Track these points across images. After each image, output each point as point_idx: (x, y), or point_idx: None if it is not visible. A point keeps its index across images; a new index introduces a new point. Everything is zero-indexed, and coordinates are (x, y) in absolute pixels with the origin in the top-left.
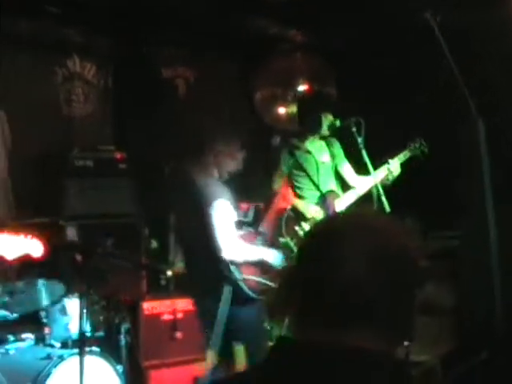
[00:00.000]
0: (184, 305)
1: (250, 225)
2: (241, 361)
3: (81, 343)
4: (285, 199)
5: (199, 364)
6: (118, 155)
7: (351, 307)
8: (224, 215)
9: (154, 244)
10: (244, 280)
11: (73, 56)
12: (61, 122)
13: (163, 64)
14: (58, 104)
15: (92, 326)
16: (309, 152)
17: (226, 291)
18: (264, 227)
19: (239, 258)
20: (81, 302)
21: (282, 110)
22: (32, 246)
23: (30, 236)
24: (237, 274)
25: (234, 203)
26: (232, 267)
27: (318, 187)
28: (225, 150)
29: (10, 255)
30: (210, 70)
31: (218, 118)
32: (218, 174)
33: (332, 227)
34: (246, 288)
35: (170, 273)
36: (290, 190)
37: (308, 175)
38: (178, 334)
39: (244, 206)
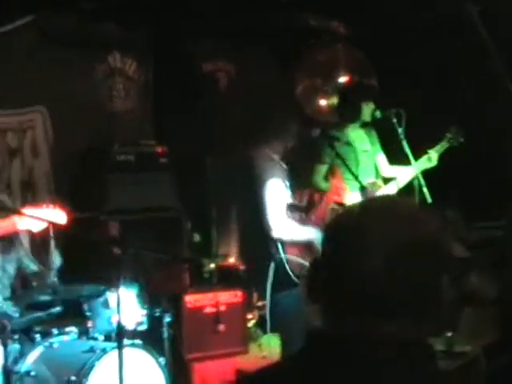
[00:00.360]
0: (227, 297)
1: (302, 210)
2: (274, 351)
3: (119, 337)
4: (335, 190)
5: (242, 356)
6: (159, 149)
7: (370, 298)
8: (276, 194)
9: (197, 237)
10: (288, 260)
11: (113, 52)
12: (102, 118)
13: (204, 58)
14: (100, 100)
15: (135, 319)
16: (348, 143)
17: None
18: (314, 217)
19: (286, 236)
20: (118, 296)
21: (323, 102)
22: (55, 215)
23: (52, 205)
24: (282, 253)
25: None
26: (279, 245)
27: (357, 178)
28: (268, 142)
29: (36, 227)
30: (251, 62)
31: (260, 111)
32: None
33: (355, 216)
34: (288, 268)
35: (212, 266)
36: (340, 182)
37: (347, 167)
38: (221, 327)
39: (299, 192)
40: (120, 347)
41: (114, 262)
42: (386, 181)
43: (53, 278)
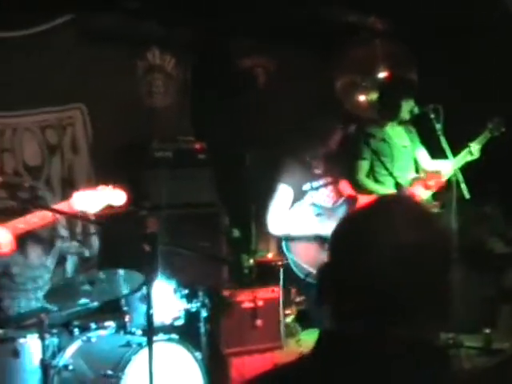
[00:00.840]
0: (264, 293)
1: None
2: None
3: (149, 332)
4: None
5: (280, 351)
6: (198, 146)
7: (378, 298)
8: (281, 198)
9: (236, 233)
10: (295, 262)
11: (152, 48)
12: (141, 114)
13: (242, 54)
14: (139, 96)
15: (172, 314)
16: (384, 140)
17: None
18: None
19: (281, 231)
20: (148, 291)
21: (362, 98)
22: (113, 196)
23: (110, 186)
24: (287, 253)
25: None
26: (284, 245)
27: (392, 174)
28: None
29: (93, 209)
30: (290, 58)
31: (298, 107)
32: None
33: (363, 217)
34: (296, 269)
35: (251, 261)
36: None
37: (383, 163)
38: (259, 322)
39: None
40: (150, 343)
41: (145, 258)
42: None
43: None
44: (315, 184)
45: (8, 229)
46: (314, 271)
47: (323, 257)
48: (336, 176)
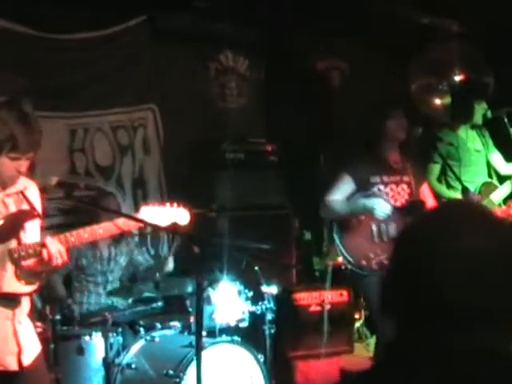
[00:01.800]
0: (333, 296)
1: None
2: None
3: (197, 336)
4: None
5: (347, 356)
6: (269, 147)
7: (448, 308)
8: (339, 185)
9: (307, 236)
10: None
11: (225, 50)
12: (213, 116)
13: (317, 57)
14: (211, 98)
15: (236, 316)
16: (451, 144)
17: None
18: None
19: (328, 213)
20: (199, 293)
21: (437, 101)
22: (179, 215)
23: (175, 204)
24: (338, 242)
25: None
26: (335, 233)
27: (459, 180)
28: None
29: (160, 225)
30: (365, 61)
31: (373, 109)
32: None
33: (431, 224)
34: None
35: (322, 265)
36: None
37: (450, 168)
38: (326, 326)
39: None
40: (198, 348)
41: (197, 260)
42: (501, 180)
43: (165, 269)
44: (386, 178)
45: (62, 240)
46: (364, 263)
47: (371, 250)
48: (410, 177)
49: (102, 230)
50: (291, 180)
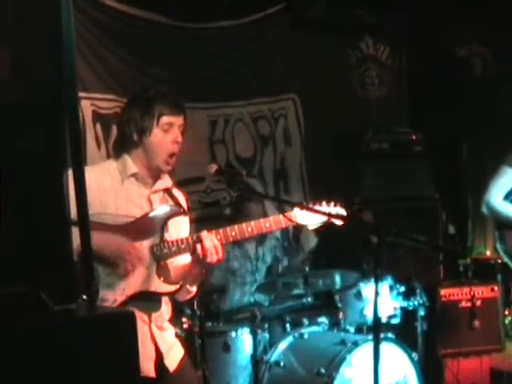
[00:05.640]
0: (483, 292)
1: None
2: None
3: (375, 329)
4: None
5: (496, 355)
6: (414, 137)
7: None
8: (502, 179)
9: (451, 229)
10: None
11: (365, 38)
12: (354, 105)
13: (458, 43)
14: (352, 86)
15: (387, 312)
16: None
17: None
18: None
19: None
20: (376, 286)
21: None
22: (335, 214)
23: (332, 203)
24: (499, 244)
25: None
26: (497, 235)
27: None
28: None
29: (313, 224)
30: (508, 46)
31: None
32: None
33: None
34: (508, 260)
35: (467, 259)
36: None
37: None
38: (476, 323)
39: None
40: (376, 340)
41: (371, 250)
42: None
43: (305, 265)
44: None
45: (220, 236)
46: None
47: None
48: None
49: (270, 223)
50: (436, 171)
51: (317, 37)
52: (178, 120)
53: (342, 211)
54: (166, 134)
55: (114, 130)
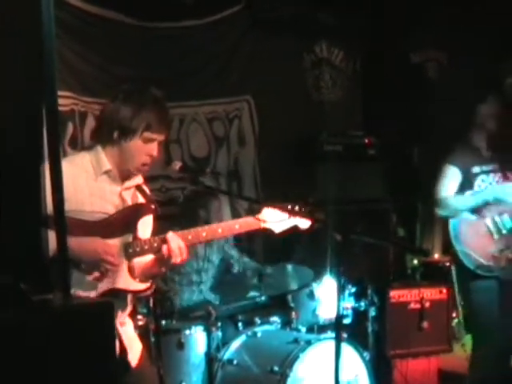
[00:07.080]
0: (432, 294)
1: None
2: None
3: (337, 327)
4: None
5: (444, 356)
6: (368, 140)
7: None
8: (448, 178)
9: (401, 232)
10: (466, 254)
11: (320, 42)
12: (310, 108)
13: (412, 47)
14: (307, 89)
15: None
16: None
17: None
18: None
19: (450, 211)
20: (339, 283)
21: None
22: (301, 218)
23: (297, 208)
24: (456, 243)
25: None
26: (453, 234)
27: None
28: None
29: (278, 229)
30: (462, 51)
31: (470, 101)
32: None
33: None
34: (465, 260)
35: (415, 261)
36: None
37: None
38: (425, 324)
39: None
40: (338, 338)
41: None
42: None
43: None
44: (485, 168)
45: (191, 236)
46: (485, 262)
47: (494, 247)
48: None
49: (240, 225)
50: (388, 174)
51: (274, 38)
52: (160, 137)
53: (308, 215)
54: (145, 145)
55: (70, 127)
